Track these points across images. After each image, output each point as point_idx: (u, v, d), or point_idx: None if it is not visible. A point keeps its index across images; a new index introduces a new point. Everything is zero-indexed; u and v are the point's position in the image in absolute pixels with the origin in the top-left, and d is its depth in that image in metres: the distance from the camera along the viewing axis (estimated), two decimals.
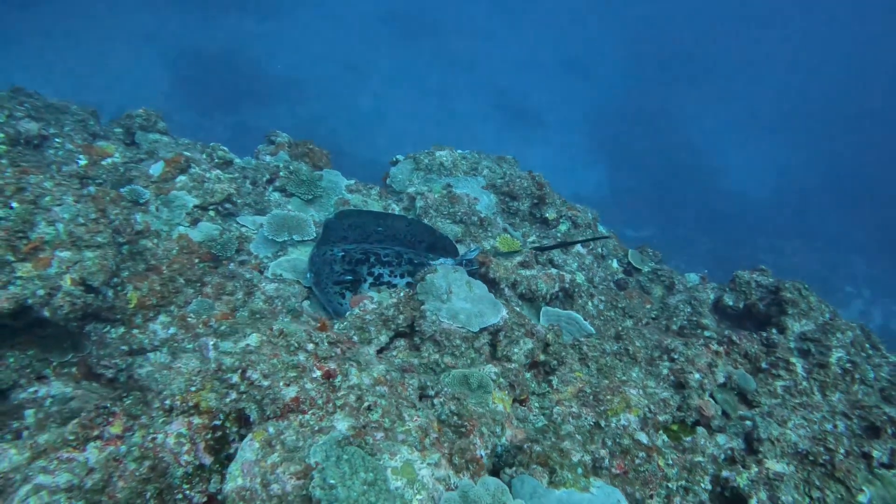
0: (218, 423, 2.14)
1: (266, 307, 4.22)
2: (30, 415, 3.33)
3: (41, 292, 3.29)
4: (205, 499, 1.96)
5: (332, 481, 1.70)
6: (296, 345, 2.31)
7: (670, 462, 2.77)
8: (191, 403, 2.17)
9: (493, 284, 4.52)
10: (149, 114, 5.71)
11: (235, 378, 2.07)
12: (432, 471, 1.87)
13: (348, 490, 1.69)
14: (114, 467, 2.06)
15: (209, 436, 2.13)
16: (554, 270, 4.69)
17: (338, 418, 2.02)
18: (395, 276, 4.52)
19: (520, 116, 33.14)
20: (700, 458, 2.86)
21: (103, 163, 5.13)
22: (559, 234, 6.03)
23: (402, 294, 3.70)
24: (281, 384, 2.04)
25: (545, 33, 37.98)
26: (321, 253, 4.57)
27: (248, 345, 2.28)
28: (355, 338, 3.48)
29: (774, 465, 2.73)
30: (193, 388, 2.20)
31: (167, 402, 2.18)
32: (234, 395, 2.05)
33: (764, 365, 3.55)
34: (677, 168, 30.41)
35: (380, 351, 3.52)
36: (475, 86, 34.59)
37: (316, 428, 1.98)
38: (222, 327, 3.93)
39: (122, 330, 3.87)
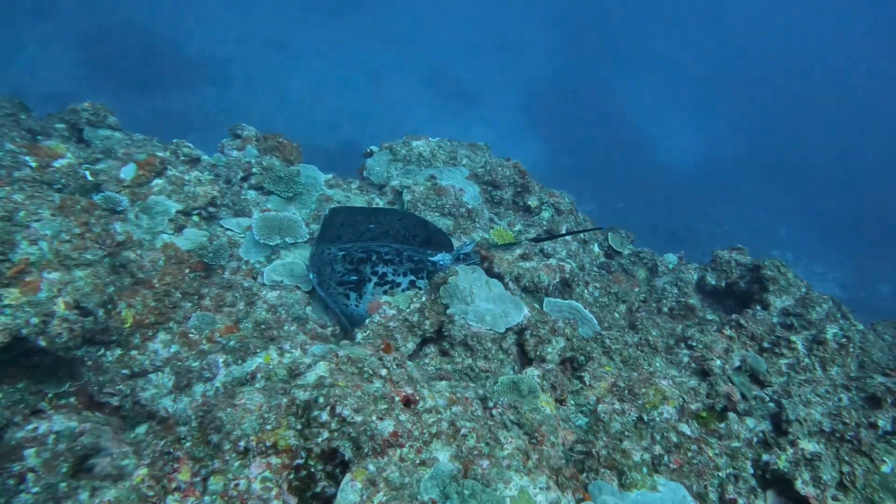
0: (300, 461, 2.02)
1: (270, 316, 4.04)
2: (31, 454, 3.03)
3: (35, 320, 2.99)
4: None
5: None
6: (370, 371, 2.21)
7: (717, 451, 2.89)
8: (268, 443, 2.04)
9: (497, 279, 4.49)
10: (96, 108, 5.24)
11: (325, 416, 1.96)
12: (546, 495, 1.85)
13: None
14: None
15: (291, 476, 2.02)
16: (553, 261, 4.73)
17: (436, 448, 1.96)
18: (399, 275, 4.42)
19: (454, 94, 33.03)
20: (737, 444, 3.00)
21: (56, 164, 4.68)
22: (543, 222, 6.08)
23: (423, 298, 3.63)
24: (374, 418, 1.95)
25: (478, 11, 37.81)
26: (319, 252, 4.40)
27: (321, 377, 2.16)
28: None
29: (808, 445, 2.91)
30: (269, 427, 2.06)
31: (241, 443, 2.04)
32: (325, 434, 1.94)
33: (766, 345, 3.74)
34: (611, 143, 31.31)
35: (409, 359, 3.45)
36: (408, 63, 34.14)
37: (417, 461, 1.91)
38: (231, 342, 3.72)
39: (118, 352, 3.60)
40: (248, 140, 6.03)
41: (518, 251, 4.74)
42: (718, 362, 3.40)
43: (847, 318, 4.89)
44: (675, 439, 2.85)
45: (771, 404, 3.25)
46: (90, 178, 4.37)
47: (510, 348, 3.48)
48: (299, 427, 2.09)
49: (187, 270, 4.17)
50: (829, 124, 33.16)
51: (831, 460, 2.79)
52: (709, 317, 5.15)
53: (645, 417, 2.97)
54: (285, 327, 4.01)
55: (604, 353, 3.49)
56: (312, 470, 2.01)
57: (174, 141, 5.48)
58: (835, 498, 2.69)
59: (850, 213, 25.06)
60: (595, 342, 3.58)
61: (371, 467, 1.89)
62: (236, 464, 2.02)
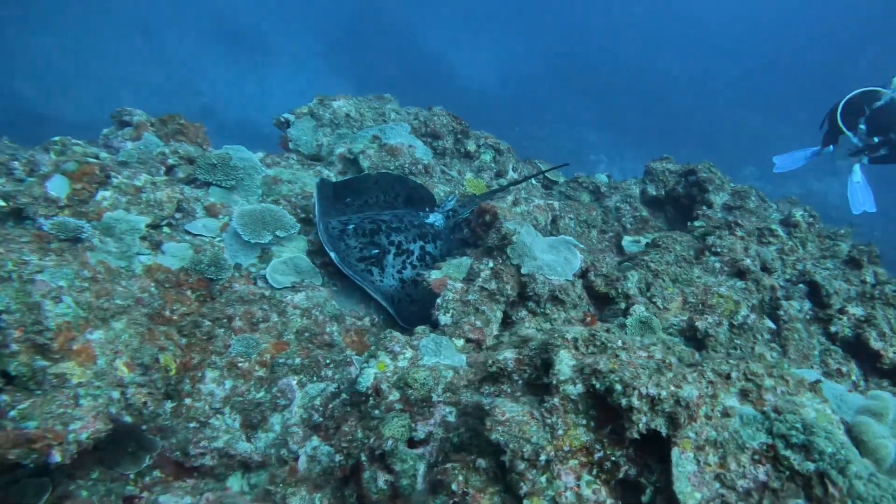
0: (600, 454, 1.96)
1: (310, 322, 3.61)
2: None
3: (116, 394, 2.36)
4: None
5: (828, 448, 1.78)
6: (613, 346, 2.16)
7: (806, 334, 3.35)
8: (566, 448, 1.93)
9: (497, 225, 4.50)
10: None
11: (635, 401, 1.89)
12: (821, 406, 2.04)
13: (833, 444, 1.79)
14: None
15: (595, 471, 1.95)
16: (541, 202, 4.85)
17: (725, 397, 2.03)
18: (410, 242, 4.20)
19: (246, 48, 30.51)
20: (800, 325, 3.51)
21: None
22: (484, 164, 6.12)
23: (490, 264, 3.53)
24: (672, 388, 1.94)
25: None
26: (327, 228, 3.98)
27: (587, 364, 2.05)
28: (478, 322, 3.28)
29: (855, 310, 3.51)
30: (560, 432, 1.95)
31: (542, 457, 1.90)
32: (644, 418, 1.88)
33: (741, 232, 4.30)
34: (418, 76, 31.64)
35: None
36: (182, 15, 30.52)
37: (719, 414, 1.97)
38: (295, 360, 3.29)
39: (171, 404, 2.98)
40: (142, 127, 5.06)
41: (510, 198, 4.75)
42: (748, 261, 3.87)
43: (765, 202, 5.78)
44: (767, 335, 3.25)
45: (802, 286, 3.82)
46: (2, 203, 3.38)
47: (582, 293, 3.58)
48: (585, 422, 2.00)
49: (189, 292, 3.52)
50: (618, 37, 36.81)
51: (882, 317, 3.42)
52: (661, 225, 5.73)
53: (735, 323, 3.32)
54: (327, 329, 3.63)
55: (655, 276, 3.76)
56: (613, 459, 1.96)
57: (56, 139, 4.43)
58: (892, 345, 3.33)
59: (642, 116, 28.79)
60: (643, 267, 3.82)
61: (691, 434, 1.90)
62: (542, 479, 1.89)
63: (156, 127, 5.11)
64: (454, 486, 1.90)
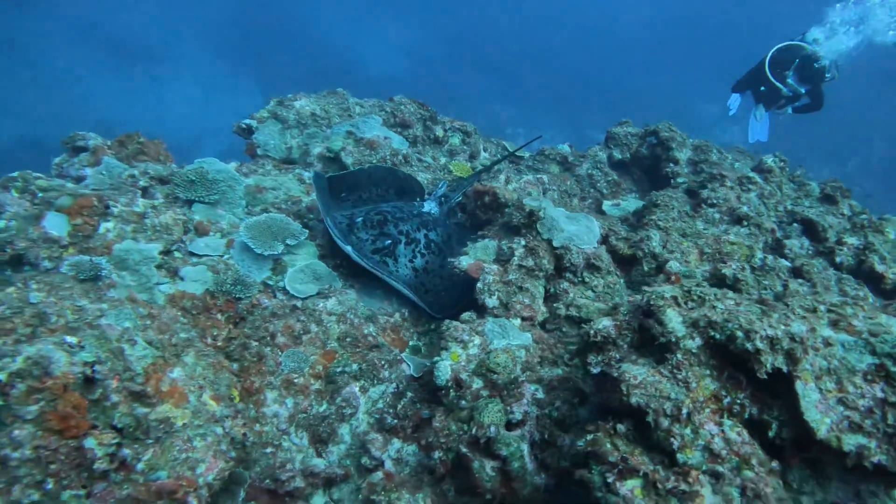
0: (728, 400, 2.09)
1: (347, 326, 3.53)
2: None
3: (219, 430, 2.24)
4: None
5: None
6: (710, 296, 2.29)
7: (818, 269, 3.65)
8: (701, 399, 2.04)
9: (504, 206, 4.56)
10: None
11: (759, 343, 2.02)
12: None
13: None
14: None
15: (727, 416, 2.08)
16: (530, 177, 4.96)
17: (821, 329, 2.21)
18: (415, 231, 4.18)
19: (130, 55, 28.59)
20: (812, 260, 3.81)
21: None
22: (456, 148, 6.14)
23: (521, 242, 3.58)
24: (784, 326, 2.09)
25: None
26: (337, 222, 3.88)
27: (706, 314, 2.16)
28: (526, 299, 3.33)
29: (851, 240, 3.86)
30: (693, 385, 2.05)
31: (683, 411, 1.99)
32: (770, 359, 2.01)
33: (730, 183, 4.62)
34: (325, 68, 30.94)
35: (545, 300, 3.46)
36: (51, 23, 28.14)
37: (821, 344, 2.14)
38: (351, 367, 3.21)
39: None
40: (99, 151, 4.70)
41: (501, 177, 4.82)
42: (745, 208, 4.16)
43: (721, 152, 6.17)
44: (788, 273, 3.53)
45: (795, 225, 4.15)
46: (8, 250, 3.08)
47: (608, 258, 3.71)
48: (709, 372, 2.11)
49: (219, 315, 3.35)
50: (522, 9, 37.24)
51: (878, 243, 3.78)
52: (631, 187, 6.00)
53: (755, 266, 3.57)
54: (365, 330, 3.57)
55: (666, 234, 3.96)
56: (739, 402, 2.09)
57: (14, 175, 4.08)
58: (891, 267, 3.69)
59: (553, 87, 29.63)
60: (652, 226, 4.01)
61: (808, 366, 2.05)
62: (689, 431, 1.98)
63: (114, 149, 4.78)
64: (612, 457, 1.95)
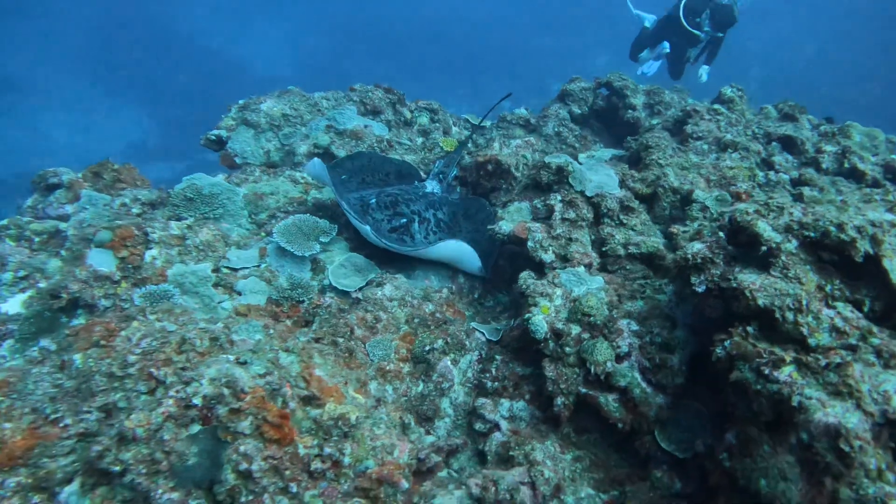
0: (828, 288, 2.40)
1: (410, 308, 3.59)
2: None
3: (385, 417, 2.28)
4: None
5: None
6: (785, 202, 2.58)
7: (816, 174, 4.08)
8: (811, 290, 2.33)
9: (507, 171, 4.73)
10: None
11: (849, 234, 2.33)
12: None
13: None
14: None
15: (832, 301, 2.39)
16: (520, 141, 5.15)
17: (883, 214, 2.56)
18: (425, 211, 4.21)
19: None
20: (805, 170, 4.24)
21: None
22: (427, 126, 6.22)
23: (557, 197, 3.77)
24: (860, 217, 2.41)
25: None
26: (352, 204, 3.89)
27: (797, 218, 2.43)
28: (580, 248, 3.53)
29: (828, 147, 4.32)
30: (804, 280, 2.33)
31: (804, 302, 2.27)
32: (864, 244, 2.32)
33: (707, 116, 5.02)
34: (210, 77, 29.64)
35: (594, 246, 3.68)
36: None
37: (889, 227, 2.50)
38: (435, 344, 3.29)
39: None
40: (76, 185, 4.48)
41: (495, 144, 4.97)
42: (728, 136, 4.56)
43: (660, 94, 6.63)
44: (792, 186, 3.94)
45: (773, 144, 4.59)
46: (63, 296, 2.91)
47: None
48: (809, 267, 2.41)
49: (289, 322, 3.31)
50: None
51: (853, 146, 4.26)
52: (594, 138, 6.35)
53: (761, 183, 3.97)
54: (427, 308, 3.65)
55: (664, 167, 4.28)
56: (836, 287, 2.41)
57: (5, 222, 3.88)
58: (867, 164, 4.19)
59: (445, 62, 29.99)
60: (654, 166, 4.32)
61: (888, 246, 2.40)
62: (811, 319, 2.27)
63: (90, 181, 4.54)
64: (760, 357, 2.19)
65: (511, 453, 2.72)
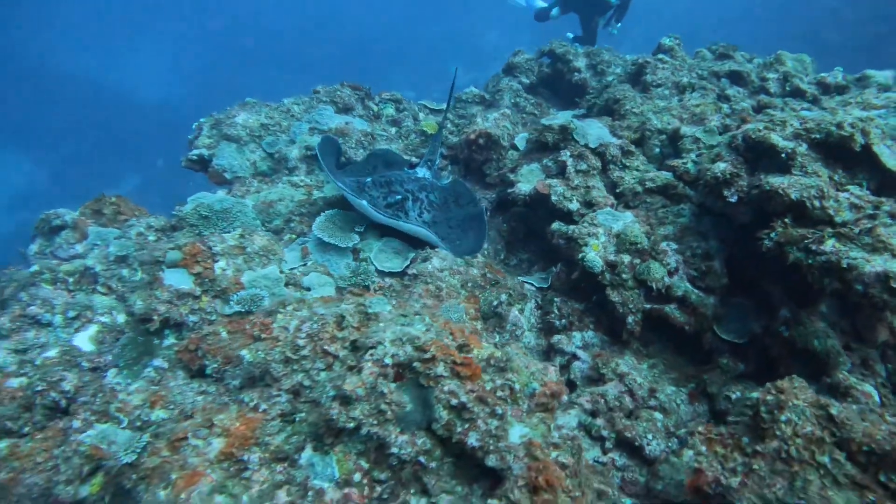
0: (836, 177, 2.96)
1: (461, 276, 3.88)
2: None
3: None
4: None
5: None
6: (782, 116, 3.11)
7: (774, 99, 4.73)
8: (826, 180, 2.87)
9: (497, 142, 5.10)
10: None
11: (847, 129, 2.88)
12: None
13: None
14: None
15: (840, 187, 2.95)
16: (496, 114, 5.53)
17: (861, 110, 3.16)
18: (419, 192, 4.35)
19: None
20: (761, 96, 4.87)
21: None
22: (395, 116, 6.46)
23: (567, 153, 4.17)
24: (848, 115, 2.98)
25: None
26: (347, 181, 4.08)
27: (801, 127, 2.96)
28: (600, 193, 3.97)
29: (770, 75, 4.99)
30: (820, 173, 2.87)
31: (825, 190, 2.80)
32: (859, 137, 2.88)
33: (660, 65, 5.59)
34: (97, 110, 28.16)
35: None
36: None
37: (868, 119, 3.09)
38: (502, 297, 3.62)
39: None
40: (81, 223, 4.46)
41: (478, 120, 5.32)
42: (685, 79, 5.16)
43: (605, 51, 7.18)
44: (754, 113, 4.56)
45: (723, 80, 5.22)
46: (155, 319, 3.02)
47: None
48: (819, 163, 2.95)
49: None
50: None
51: (791, 70, 4.94)
52: (547, 104, 6.84)
53: (727, 113, 4.56)
54: (473, 272, 3.97)
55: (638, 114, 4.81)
56: (842, 177, 2.97)
57: (37, 269, 3.87)
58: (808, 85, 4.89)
59: (335, 60, 29.80)
60: (631, 115, 4.83)
61: (874, 135, 2.98)
62: (833, 202, 2.81)
63: (93, 217, 4.53)
64: (806, 238, 2.70)
65: (601, 371, 3.11)
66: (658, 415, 2.92)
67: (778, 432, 2.02)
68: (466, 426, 1.99)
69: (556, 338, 3.42)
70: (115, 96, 29.95)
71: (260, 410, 2.13)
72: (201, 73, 32.22)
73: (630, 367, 3.14)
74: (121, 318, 3.52)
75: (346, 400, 1.97)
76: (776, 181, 2.87)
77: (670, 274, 3.28)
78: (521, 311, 3.59)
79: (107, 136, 27.04)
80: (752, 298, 3.32)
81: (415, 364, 2.07)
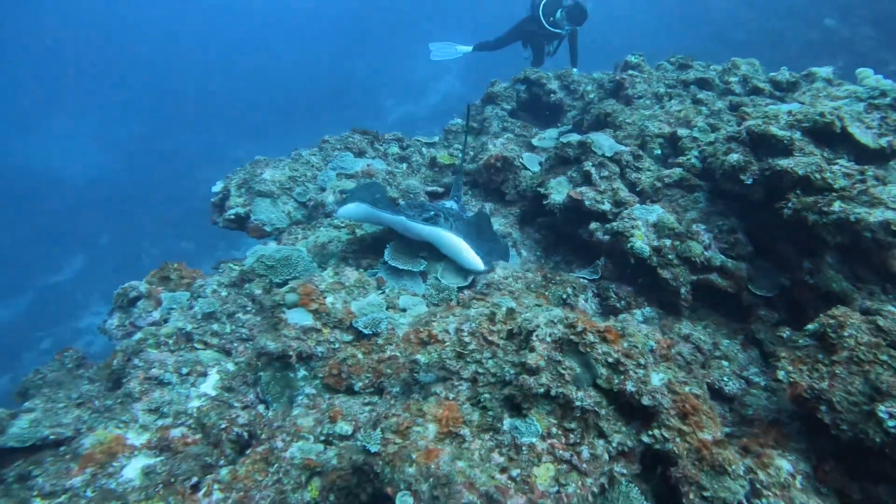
0: (824, 154, 3.76)
1: (524, 280, 4.47)
2: None
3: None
4: None
5: None
6: (765, 110, 3.91)
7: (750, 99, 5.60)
8: (820, 158, 3.67)
9: (511, 164, 5.78)
10: None
11: (829, 117, 3.69)
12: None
13: None
14: None
15: (830, 162, 3.75)
16: (503, 140, 6.22)
17: (827, 99, 3.99)
18: (447, 215, 4.72)
19: None
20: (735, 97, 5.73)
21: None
22: (401, 154, 7.05)
23: (589, 164, 4.87)
24: (819, 106, 3.81)
25: None
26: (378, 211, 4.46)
27: (790, 118, 3.76)
28: (626, 192, 4.67)
29: (732, 79, 5.89)
30: (815, 153, 3.66)
31: (823, 164, 3.60)
32: (838, 122, 3.70)
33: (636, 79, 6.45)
34: (29, 200, 27.56)
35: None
36: None
37: (838, 106, 3.93)
38: (569, 290, 4.23)
39: None
40: (154, 292, 4.86)
41: (490, 147, 5.98)
42: (662, 89, 6.00)
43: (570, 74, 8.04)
44: (730, 111, 5.41)
45: (691, 87, 6.10)
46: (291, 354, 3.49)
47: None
48: (812, 146, 3.75)
49: None
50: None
51: (748, 73, 5.86)
52: (535, 128, 7.61)
53: (707, 115, 5.39)
54: (530, 276, 4.57)
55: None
56: (827, 153, 3.79)
57: (140, 338, 4.24)
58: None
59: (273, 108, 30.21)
60: (624, 126, 5.61)
61: (847, 118, 3.81)
62: (829, 174, 3.60)
63: (162, 284, 4.92)
64: (818, 203, 3.46)
65: (670, 336, 3.77)
66: (725, 363, 3.59)
67: (845, 345, 2.71)
68: (622, 377, 2.58)
69: (620, 316, 4.05)
70: (42, 178, 29.21)
71: (450, 399, 2.64)
72: (130, 142, 31.84)
73: (690, 329, 3.82)
74: (230, 365, 3.96)
75: (531, 371, 2.53)
76: (784, 162, 3.65)
77: (706, 249, 3.99)
78: (585, 299, 4.22)
79: (43, 221, 26.26)
80: (770, 260, 4.07)
81: (571, 337, 2.65)
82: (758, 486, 2.47)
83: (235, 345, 4.19)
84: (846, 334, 2.73)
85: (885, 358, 2.60)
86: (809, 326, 2.97)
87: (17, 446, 3.51)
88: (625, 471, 2.52)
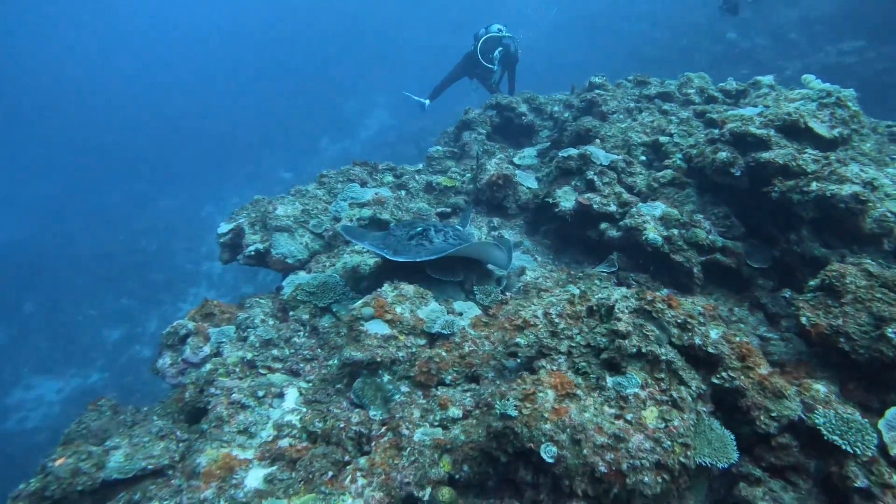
0: (802, 146, 4.62)
1: (554, 280, 5.08)
2: None
3: None
4: None
5: None
6: (738, 111, 4.74)
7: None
8: (797, 150, 4.51)
9: (510, 181, 6.43)
10: None
11: (803, 117, 4.53)
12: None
13: None
14: None
15: (806, 152, 4.61)
16: (498, 160, 6.86)
17: (787, 101, 4.88)
18: (442, 227, 4.97)
19: None
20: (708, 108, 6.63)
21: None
22: (397, 182, 7.55)
23: (591, 173, 5.57)
24: (789, 107, 4.66)
25: None
26: (375, 239, 4.93)
27: (759, 120, 4.59)
28: (628, 195, 5.39)
29: (691, 90, 6.80)
30: (793, 148, 4.49)
31: (817, 155, 4.43)
32: (801, 119, 4.55)
33: (606, 97, 7.30)
34: None
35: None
36: None
37: (794, 107, 4.81)
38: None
39: None
40: (201, 329, 5.14)
41: (489, 167, 6.60)
42: (632, 104, 6.84)
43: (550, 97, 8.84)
44: (696, 118, 6.28)
45: (656, 100, 6.96)
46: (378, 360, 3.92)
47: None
48: (785, 140, 4.59)
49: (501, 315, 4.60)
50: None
51: (705, 85, 6.78)
52: (510, 148, 8.31)
53: (677, 122, 6.24)
54: (557, 276, 5.17)
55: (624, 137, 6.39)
56: (802, 148, 4.65)
57: (211, 366, 4.54)
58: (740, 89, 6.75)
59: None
60: (609, 139, 6.39)
61: (807, 115, 4.68)
62: (809, 159, 4.43)
63: (206, 321, 5.20)
64: (798, 185, 4.25)
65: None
66: (741, 325, 4.29)
67: (848, 289, 3.44)
68: (690, 334, 3.19)
69: None
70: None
71: (556, 370, 3.17)
72: (48, 202, 30.46)
73: (705, 303, 4.50)
74: (302, 384, 4.32)
75: (623, 336, 3.09)
76: (766, 155, 4.45)
77: (708, 233, 4.73)
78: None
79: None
80: (758, 238, 4.85)
81: (644, 306, 3.24)
82: (808, 402, 3.12)
83: (301, 365, 4.53)
84: (848, 281, 3.46)
85: (879, 295, 3.34)
86: (812, 282, 3.70)
87: (120, 478, 3.73)
88: (704, 409, 3.11)
